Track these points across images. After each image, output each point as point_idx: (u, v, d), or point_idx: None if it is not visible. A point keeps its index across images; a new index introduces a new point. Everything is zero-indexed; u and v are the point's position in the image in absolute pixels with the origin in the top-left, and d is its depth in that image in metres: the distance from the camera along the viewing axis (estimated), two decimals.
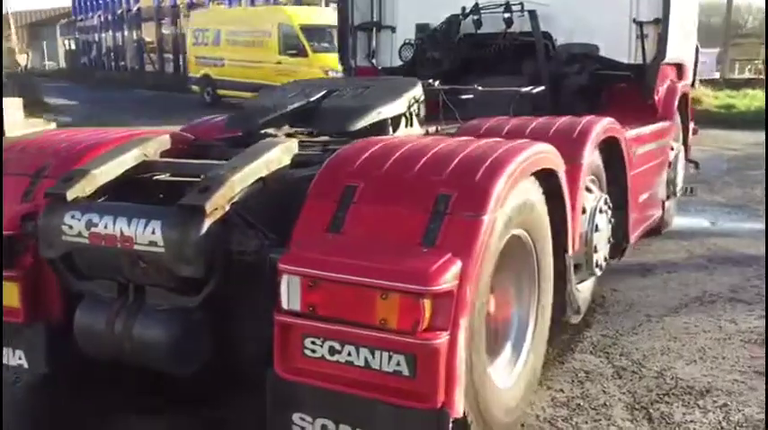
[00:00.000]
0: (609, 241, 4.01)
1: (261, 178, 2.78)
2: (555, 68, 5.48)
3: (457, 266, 2.30)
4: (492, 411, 2.68)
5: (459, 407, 2.35)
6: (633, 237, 4.55)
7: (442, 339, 2.26)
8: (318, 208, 2.59)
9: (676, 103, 5.69)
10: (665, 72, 5.66)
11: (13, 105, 14.40)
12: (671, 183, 5.95)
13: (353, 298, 2.31)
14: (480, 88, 4.44)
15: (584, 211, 3.71)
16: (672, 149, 5.95)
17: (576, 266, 3.75)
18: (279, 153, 2.87)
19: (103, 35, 33.99)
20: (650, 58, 5.18)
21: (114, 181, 2.99)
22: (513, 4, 5.46)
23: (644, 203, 4.78)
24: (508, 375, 2.94)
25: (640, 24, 5.23)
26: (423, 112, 4.05)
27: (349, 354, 2.37)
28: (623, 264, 5.13)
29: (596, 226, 3.74)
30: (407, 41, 5.97)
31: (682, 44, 6.04)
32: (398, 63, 6.03)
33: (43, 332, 2.95)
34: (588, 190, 3.81)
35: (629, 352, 3.70)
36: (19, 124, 13.62)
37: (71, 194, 2.77)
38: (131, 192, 3.00)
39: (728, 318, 4.11)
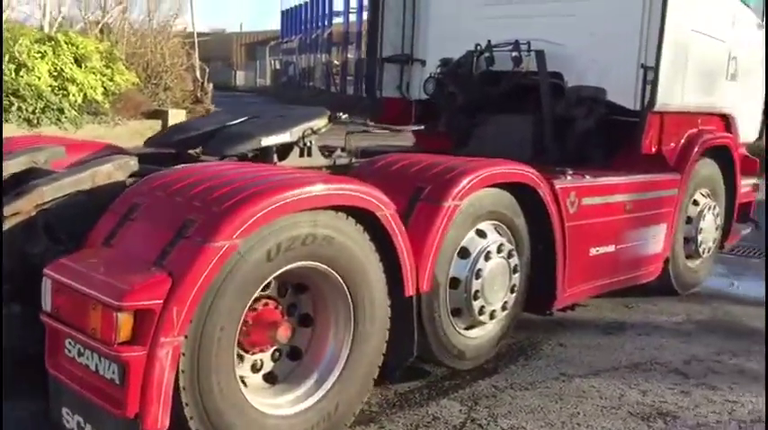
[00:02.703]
0: (512, 290, 3.86)
1: (83, 190, 3.06)
2: (564, 110, 5.30)
3: (164, 287, 2.44)
4: None
5: (159, 423, 2.47)
6: (574, 293, 4.29)
7: (136, 354, 2.42)
8: (107, 220, 2.85)
9: (695, 154, 5.24)
10: (684, 121, 5.26)
11: (180, 116, 16.21)
12: (692, 241, 5.50)
13: (77, 305, 2.53)
14: (371, 123, 4.42)
15: (464, 255, 3.63)
16: (696, 204, 5.51)
17: (456, 311, 3.69)
18: (110, 168, 3.16)
19: (301, 57, 36.43)
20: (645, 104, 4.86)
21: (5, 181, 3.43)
22: (522, 43, 5.35)
23: (603, 258, 4.47)
24: (293, 405, 2.98)
25: (645, 69, 4.92)
26: (353, 145, 4.16)
27: (88, 358, 2.59)
28: (596, 320, 4.91)
29: (477, 272, 3.63)
30: (431, 75, 6.03)
31: (722, 93, 5.58)
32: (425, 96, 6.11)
33: None
34: (480, 234, 3.72)
35: (499, 405, 3.53)
36: None
37: None
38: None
39: (643, 389, 3.77)
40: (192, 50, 19.56)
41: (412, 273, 3.27)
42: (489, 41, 5.51)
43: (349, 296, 3.08)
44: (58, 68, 14.40)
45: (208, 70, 19.08)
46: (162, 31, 19.41)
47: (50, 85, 14.04)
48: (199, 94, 18.79)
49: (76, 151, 3.84)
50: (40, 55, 14.11)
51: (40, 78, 13.83)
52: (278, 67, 42.86)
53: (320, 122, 3.91)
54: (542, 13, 5.45)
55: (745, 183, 6.17)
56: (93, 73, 15.18)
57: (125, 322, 2.41)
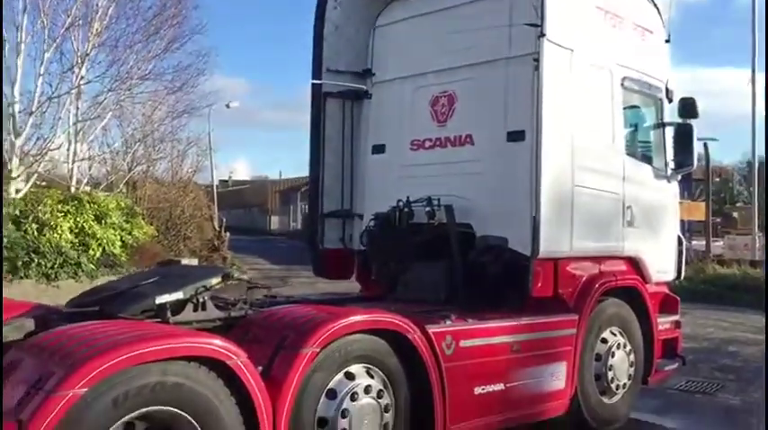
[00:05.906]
0: (385, 428, 4.23)
1: None
2: (475, 257, 5.81)
3: None
4: None
5: None
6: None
7: None
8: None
9: (594, 295, 5.63)
10: (582, 265, 5.71)
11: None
12: (603, 377, 5.78)
13: None
14: (254, 281, 4.93)
15: (332, 396, 4.05)
16: (605, 342, 5.83)
17: None
18: (7, 329, 3.73)
19: None
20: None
21: None
22: (434, 199, 5.94)
23: (491, 396, 4.80)
24: None
25: (535, 221, 5.42)
26: (244, 295, 4.69)
27: None
28: None
29: (344, 411, 4.04)
30: (366, 228, 6.62)
31: (621, 239, 6.03)
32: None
33: None
34: (349, 376, 4.14)
35: None
36: None
37: None
38: None
39: None
40: (212, 203, 20.76)
41: (268, 414, 3.69)
42: (408, 197, 6.12)
43: None
44: (80, 225, 15.50)
45: (225, 220, 20.16)
46: (184, 187, 20.78)
47: (71, 241, 15.07)
48: (216, 243, 19.83)
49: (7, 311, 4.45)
50: (62, 214, 15.25)
51: (61, 236, 14.89)
52: (307, 210, 44.50)
53: (214, 280, 4.46)
54: (454, 172, 6.07)
55: (665, 321, 6.47)
56: (113, 228, 16.25)
57: None
